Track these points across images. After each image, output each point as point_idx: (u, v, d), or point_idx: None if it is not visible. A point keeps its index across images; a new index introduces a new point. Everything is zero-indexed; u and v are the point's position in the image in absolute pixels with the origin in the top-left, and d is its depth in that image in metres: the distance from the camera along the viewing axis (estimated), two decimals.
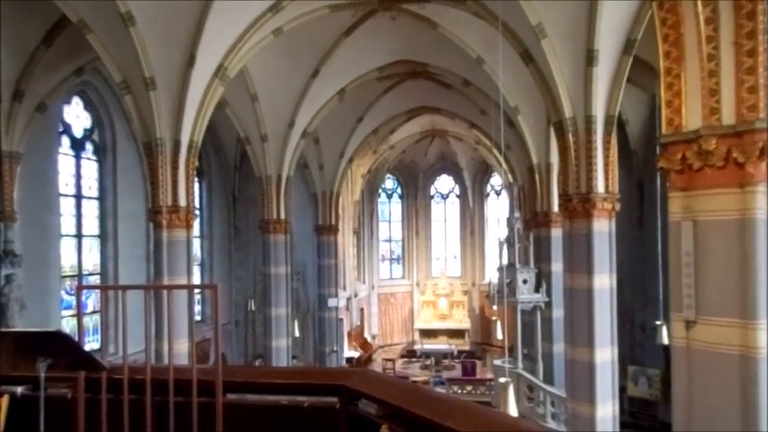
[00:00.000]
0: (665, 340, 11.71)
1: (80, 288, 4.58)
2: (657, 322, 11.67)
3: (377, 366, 23.99)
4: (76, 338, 3.20)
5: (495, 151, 21.93)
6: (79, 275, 14.38)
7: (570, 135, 9.15)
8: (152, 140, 10.41)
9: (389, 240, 30.49)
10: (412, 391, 3.04)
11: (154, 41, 9.76)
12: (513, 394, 6.78)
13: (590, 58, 8.74)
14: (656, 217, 17.02)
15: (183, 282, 10.75)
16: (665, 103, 4.12)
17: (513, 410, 6.77)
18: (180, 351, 10.64)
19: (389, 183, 30.43)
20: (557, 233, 14.50)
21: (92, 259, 15.10)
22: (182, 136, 10.51)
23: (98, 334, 14.70)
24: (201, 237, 20.54)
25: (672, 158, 4.02)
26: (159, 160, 10.46)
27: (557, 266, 14.43)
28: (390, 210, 30.61)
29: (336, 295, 21.62)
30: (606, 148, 9.07)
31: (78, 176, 14.34)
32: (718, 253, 3.85)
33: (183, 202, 10.70)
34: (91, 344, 14.32)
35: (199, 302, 20.46)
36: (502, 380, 6.83)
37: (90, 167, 14.85)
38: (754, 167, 3.64)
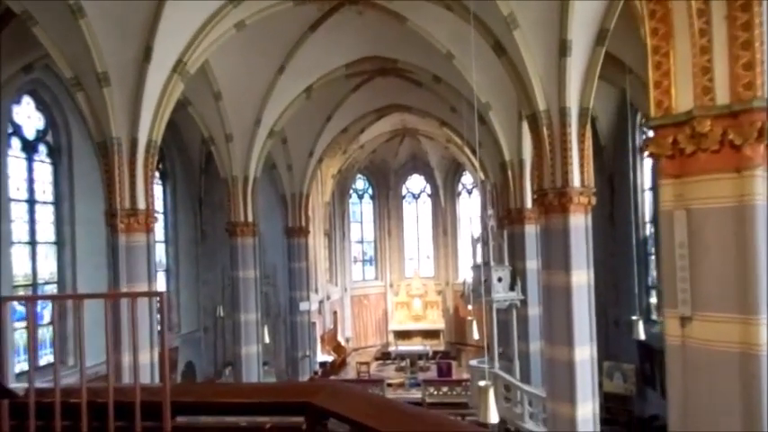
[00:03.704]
0: (642, 335, 11.66)
1: (5, 300, 4.00)
2: (633, 317, 11.54)
3: (351, 370, 23.57)
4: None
5: (467, 149, 21.77)
6: (34, 285, 13.60)
7: (545, 128, 8.92)
8: (107, 140, 9.81)
9: (361, 241, 30.08)
10: (386, 407, 2.67)
11: (106, 34, 9.17)
12: (494, 397, 6.49)
13: (563, 49, 8.52)
14: (628, 212, 17.06)
15: (144, 288, 10.16)
16: (654, 84, 3.84)
17: (493, 414, 6.47)
18: (142, 362, 10.10)
19: (360, 183, 30.03)
20: (531, 230, 14.35)
21: (48, 267, 14.32)
22: (139, 135, 9.93)
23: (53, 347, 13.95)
24: (166, 242, 19.81)
25: (662, 143, 3.74)
26: (115, 161, 9.87)
27: (531, 264, 14.28)
28: (362, 210, 30.20)
29: (308, 298, 21.11)
30: (581, 141, 8.88)
31: (31, 180, 13.55)
32: (714, 243, 3.58)
33: (141, 204, 10.11)
34: (48, 356, 13.58)
35: None
36: (481, 383, 6.51)
37: (44, 170, 14.06)
38: (752, 150, 3.38)
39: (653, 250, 16.68)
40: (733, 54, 3.43)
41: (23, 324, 12.90)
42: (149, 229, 10.26)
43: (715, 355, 3.55)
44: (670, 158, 3.74)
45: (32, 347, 2.97)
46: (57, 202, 14.21)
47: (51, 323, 13.47)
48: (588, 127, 8.95)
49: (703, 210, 3.63)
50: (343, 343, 26.56)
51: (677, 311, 3.74)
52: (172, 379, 19.10)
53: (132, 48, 9.42)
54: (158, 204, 19.62)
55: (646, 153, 3.86)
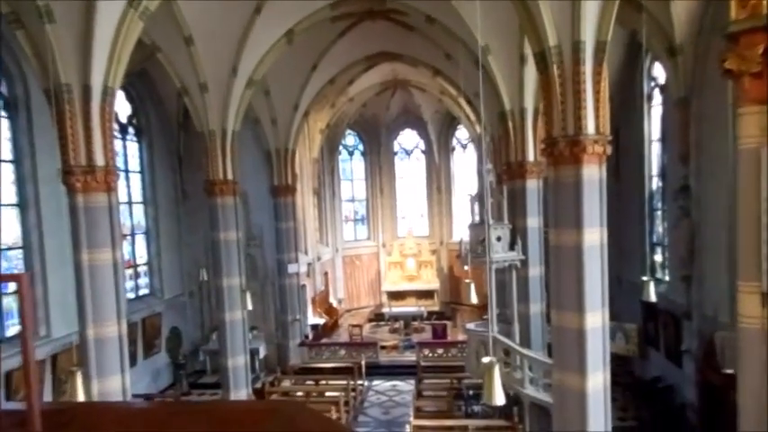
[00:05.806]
0: (653, 298, 10.82)
1: None
2: (644, 278, 10.66)
3: (344, 332, 22.92)
4: None
5: (462, 101, 20.55)
6: None
7: (555, 67, 7.79)
8: (55, 87, 8.59)
9: (353, 200, 29.06)
10: None
11: None
12: (499, 376, 5.67)
13: None
14: (634, 166, 16.03)
15: (108, 255, 9.16)
16: None
17: (499, 395, 5.64)
18: (109, 335, 9.18)
19: (350, 139, 28.75)
20: (532, 185, 13.35)
21: (12, 231, 13.26)
22: (93, 81, 8.72)
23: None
24: (145, 202, 18.74)
25: (747, 55, 2.68)
26: (67, 111, 8.69)
27: (532, 221, 13.35)
28: (352, 168, 29.04)
29: (297, 260, 20.22)
30: (597, 81, 7.77)
31: None
32: None
33: (100, 160, 8.99)
34: (16, 327, 12.70)
35: (146, 274, 18.84)
36: (485, 360, 5.65)
37: None
38: None
39: (659, 205, 15.78)
40: None
41: None
42: (110, 189, 9.17)
43: None
44: (756, 77, 2.69)
45: None
46: (16, 160, 13.02)
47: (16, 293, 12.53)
48: (605, 65, 7.81)
49: None
50: (335, 305, 25.89)
51: (758, 286, 2.77)
52: (156, 345, 18.31)
53: None
54: (134, 162, 18.51)
55: (725, 65, 2.76)
